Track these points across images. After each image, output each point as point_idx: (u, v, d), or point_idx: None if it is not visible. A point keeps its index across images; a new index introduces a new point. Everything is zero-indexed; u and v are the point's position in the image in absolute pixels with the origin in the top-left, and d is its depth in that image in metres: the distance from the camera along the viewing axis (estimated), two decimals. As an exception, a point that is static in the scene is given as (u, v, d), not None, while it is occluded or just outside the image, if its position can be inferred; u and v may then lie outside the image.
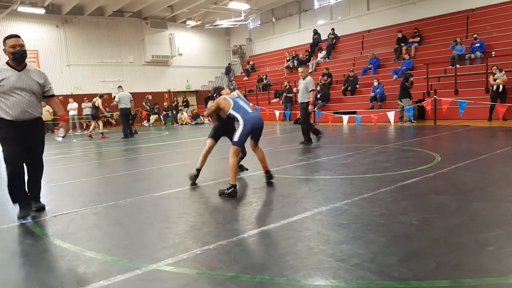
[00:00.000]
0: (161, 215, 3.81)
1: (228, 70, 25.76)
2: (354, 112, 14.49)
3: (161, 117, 21.89)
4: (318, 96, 16.22)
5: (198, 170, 5.09)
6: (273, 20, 24.89)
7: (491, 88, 11.49)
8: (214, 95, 5.17)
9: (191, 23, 22.65)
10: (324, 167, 5.91)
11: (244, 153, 5.62)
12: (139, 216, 3.84)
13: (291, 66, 21.09)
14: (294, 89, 8.86)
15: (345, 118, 14.12)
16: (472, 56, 13.75)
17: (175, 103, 22.90)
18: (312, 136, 8.68)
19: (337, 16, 21.31)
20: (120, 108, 12.98)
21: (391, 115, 12.63)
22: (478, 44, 13.71)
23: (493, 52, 13.46)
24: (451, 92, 12.85)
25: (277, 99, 19.12)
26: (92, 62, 21.36)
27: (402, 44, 16.42)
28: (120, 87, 13.45)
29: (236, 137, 4.48)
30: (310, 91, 8.26)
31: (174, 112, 21.98)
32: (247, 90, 21.91)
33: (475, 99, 11.70)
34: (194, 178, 5.06)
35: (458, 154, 6.43)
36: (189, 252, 2.77)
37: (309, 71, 19.65)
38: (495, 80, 11.30)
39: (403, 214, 3.38)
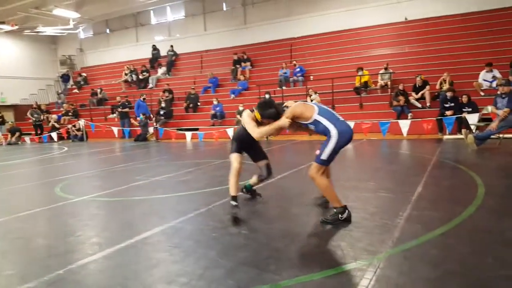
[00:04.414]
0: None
1: (67, 78, 23.10)
2: (197, 129, 14.80)
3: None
4: (161, 112, 15.99)
5: (235, 197, 3.89)
6: (107, 32, 23.55)
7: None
8: (284, 107, 3.67)
9: (5, 27, 19.39)
10: (162, 186, 5.79)
11: (269, 173, 4.33)
12: None
13: (129, 80, 20.26)
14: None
15: (188, 134, 14.31)
16: (295, 78, 15.78)
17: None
18: None
19: (176, 34, 21.57)
20: None
21: (230, 131, 13.34)
22: (298, 69, 15.82)
23: (311, 76, 15.73)
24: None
25: (114, 114, 18.01)
26: None
27: (238, 66, 17.67)
28: None
29: (324, 155, 3.41)
30: None
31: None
32: (79, 104, 19.98)
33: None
34: (236, 208, 3.86)
35: (283, 165, 7.20)
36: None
37: (150, 87, 19.27)
38: (311, 100, 13.22)
39: (234, 225, 3.56)
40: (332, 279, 2.39)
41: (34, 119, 18.36)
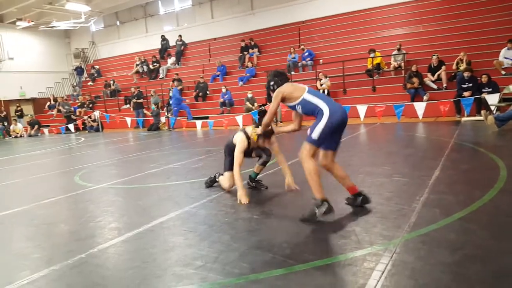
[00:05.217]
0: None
1: (81, 71, 23.47)
2: (207, 117, 14.85)
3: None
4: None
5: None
6: (118, 24, 23.64)
7: (319, 92, 13.24)
8: (272, 84, 3.55)
9: (22, 24, 19.72)
10: (175, 173, 5.86)
11: (269, 155, 4.29)
12: None
13: (140, 71, 20.38)
14: None
15: (199, 123, 14.37)
16: (304, 63, 15.60)
17: (3, 113, 19.59)
18: None
19: (183, 23, 21.49)
20: None
21: (239, 119, 13.34)
22: (307, 53, 15.61)
23: (320, 60, 15.51)
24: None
25: (128, 105, 18.22)
26: None
27: (245, 53, 17.54)
28: None
29: (315, 133, 3.13)
30: None
31: (6, 124, 18.93)
32: (93, 96, 20.25)
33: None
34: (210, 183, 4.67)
35: (294, 152, 7.17)
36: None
37: (160, 77, 19.36)
38: (321, 85, 13.08)
39: (246, 210, 3.61)
40: (347, 264, 2.37)
41: (65, 110, 18.76)
